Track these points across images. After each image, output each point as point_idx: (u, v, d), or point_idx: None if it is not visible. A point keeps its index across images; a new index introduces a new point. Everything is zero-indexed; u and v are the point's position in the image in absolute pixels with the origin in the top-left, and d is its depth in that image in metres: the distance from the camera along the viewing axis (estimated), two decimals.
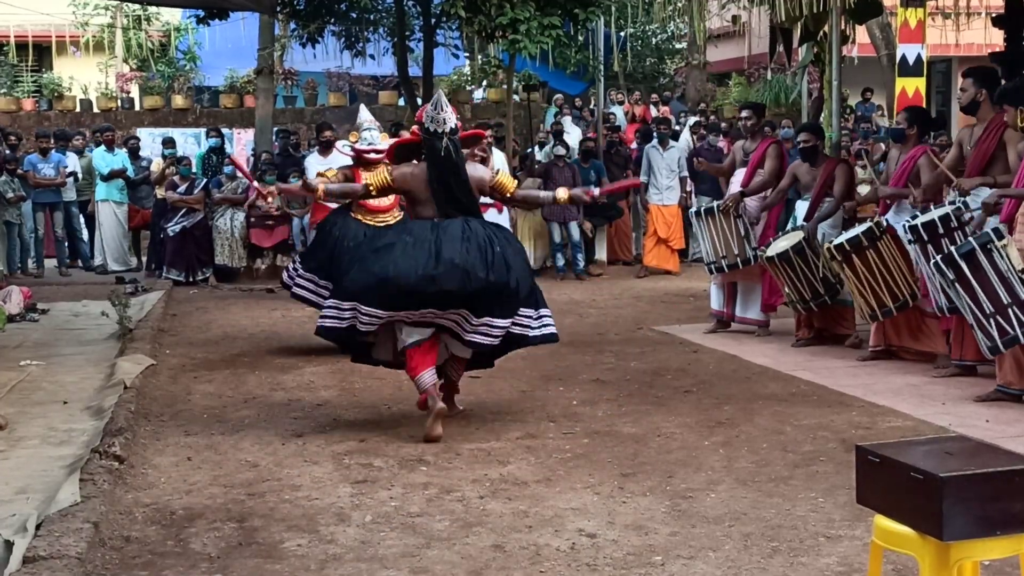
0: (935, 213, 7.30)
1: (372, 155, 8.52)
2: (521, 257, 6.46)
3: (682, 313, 10.84)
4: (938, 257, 6.75)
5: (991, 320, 6.51)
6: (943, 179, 7.80)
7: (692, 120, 17.63)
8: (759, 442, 6.01)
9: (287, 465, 5.77)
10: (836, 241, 8.09)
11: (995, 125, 7.31)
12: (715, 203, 9.41)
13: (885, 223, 8.00)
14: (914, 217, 7.46)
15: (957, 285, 6.60)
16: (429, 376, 6.35)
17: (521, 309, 6.35)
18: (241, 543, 4.62)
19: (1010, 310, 6.45)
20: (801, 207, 9.25)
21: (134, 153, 15.51)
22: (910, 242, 7.47)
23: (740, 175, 9.57)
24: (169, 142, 15.54)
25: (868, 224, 8.07)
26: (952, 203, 7.38)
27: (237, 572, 4.31)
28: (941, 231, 7.15)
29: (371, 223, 8.49)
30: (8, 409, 6.89)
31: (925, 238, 7.20)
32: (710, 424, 6.44)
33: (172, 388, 7.77)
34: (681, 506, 4.97)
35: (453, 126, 6.33)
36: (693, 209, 9.95)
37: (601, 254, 14.85)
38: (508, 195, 6.67)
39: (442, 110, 6.35)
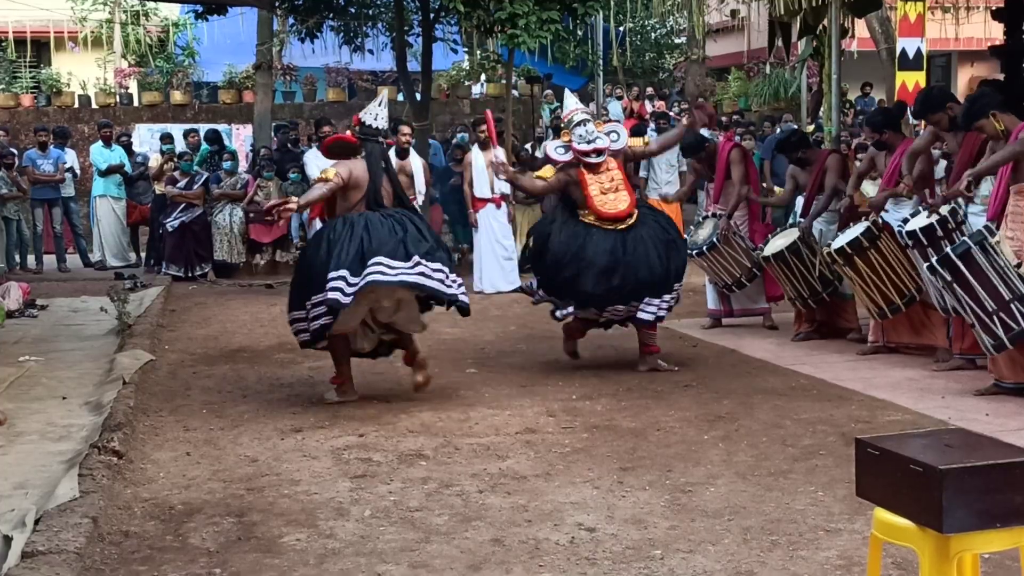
0: (930, 217, 7.16)
1: (592, 157, 7.65)
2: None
3: (681, 308, 10.76)
4: (933, 260, 6.65)
5: (994, 317, 6.44)
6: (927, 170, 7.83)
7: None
8: (758, 436, 6.01)
9: (286, 460, 5.76)
10: (836, 245, 8.00)
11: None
12: (712, 237, 9.31)
13: (881, 221, 7.97)
14: (906, 221, 7.41)
15: (956, 286, 6.52)
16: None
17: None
18: (240, 537, 4.62)
19: (1012, 305, 6.39)
20: (800, 203, 9.24)
21: (127, 149, 15.49)
22: (907, 247, 7.40)
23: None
24: (167, 138, 15.53)
25: (866, 224, 8.00)
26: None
27: (236, 566, 4.31)
28: (939, 233, 7.04)
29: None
30: (7, 404, 6.88)
31: (924, 242, 7.11)
32: (709, 418, 6.44)
33: (171, 383, 7.76)
34: (680, 500, 4.96)
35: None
36: (694, 251, 9.27)
37: None
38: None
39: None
